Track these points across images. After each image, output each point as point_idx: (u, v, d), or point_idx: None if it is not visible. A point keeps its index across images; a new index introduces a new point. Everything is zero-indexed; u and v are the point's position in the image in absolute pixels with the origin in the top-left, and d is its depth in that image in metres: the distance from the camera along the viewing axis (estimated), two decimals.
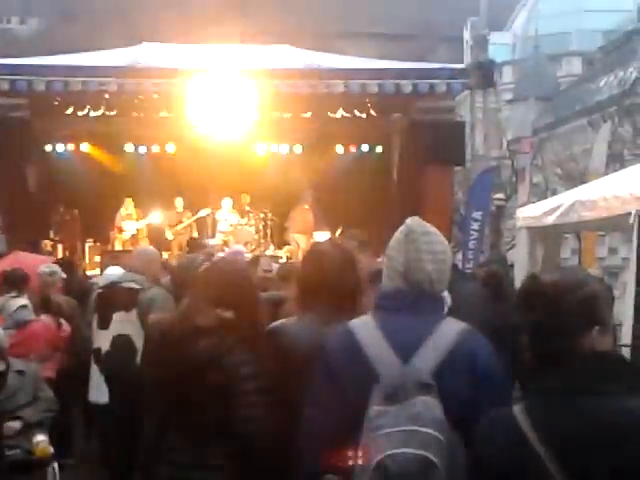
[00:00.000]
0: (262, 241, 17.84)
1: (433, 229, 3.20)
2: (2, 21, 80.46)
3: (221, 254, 8.83)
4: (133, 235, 17.83)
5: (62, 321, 7.82)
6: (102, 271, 13.25)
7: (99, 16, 65.67)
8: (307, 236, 17.62)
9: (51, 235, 17.30)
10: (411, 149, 16.84)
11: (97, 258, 17.16)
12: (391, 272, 3.14)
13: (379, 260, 8.08)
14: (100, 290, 7.60)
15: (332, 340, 3.15)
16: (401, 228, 3.19)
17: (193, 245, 14.43)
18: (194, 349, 3.70)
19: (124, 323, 6.80)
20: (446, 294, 3.42)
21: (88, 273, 15.92)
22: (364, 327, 3.09)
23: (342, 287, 3.67)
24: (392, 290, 3.12)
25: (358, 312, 3.40)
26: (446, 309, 3.44)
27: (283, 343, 3.62)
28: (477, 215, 15.62)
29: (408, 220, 3.19)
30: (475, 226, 15.55)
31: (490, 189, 17.13)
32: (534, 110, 33.14)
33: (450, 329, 3.04)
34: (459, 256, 15.32)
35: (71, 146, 18.03)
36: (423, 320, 3.03)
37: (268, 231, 18.00)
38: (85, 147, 18.15)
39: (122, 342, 6.66)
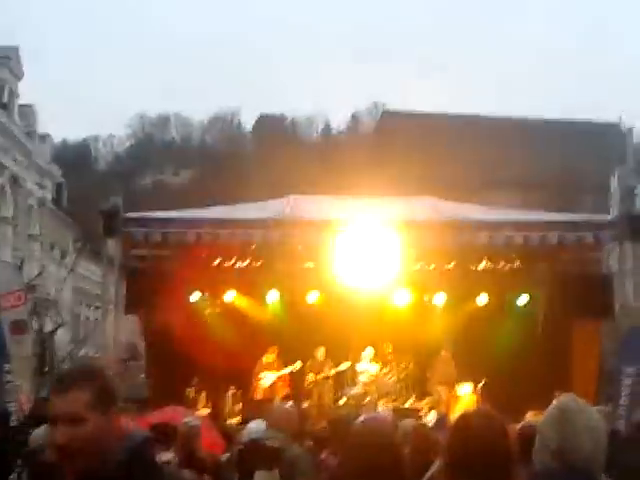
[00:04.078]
0: (403, 392, 17.58)
1: (588, 406, 3.07)
2: (157, 172, 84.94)
3: (362, 418, 8.60)
4: (273, 383, 17.88)
5: (205, 477, 7.78)
6: (243, 419, 13.36)
7: (247, 168, 68.36)
8: (449, 387, 17.31)
9: (194, 382, 17.51)
10: (557, 301, 16.49)
11: (238, 406, 17.26)
12: (544, 450, 3.00)
13: (520, 425, 7.80)
14: (242, 446, 7.54)
15: None
16: (555, 405, 3.06)
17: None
18: None
19: None
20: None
21: (229, 421, 16.02)
22: None
23: (492, 461, 3.50)
24: (546, 470, 2.97)
25: None
26: None
27: None
28: (630, 370, 14.94)
29: (562, 397, 3.08)
30: (628, 381, 14.85)
31: None
32: None
33: None
34: (608, 410, 14.63)
35: (216, 295, 18.39)
36: None
37: (409, 381, 17.77)
38: (230, 296, 18.48)
39: None
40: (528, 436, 3.57)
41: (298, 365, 17.95)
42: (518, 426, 8.25)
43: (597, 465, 3.01)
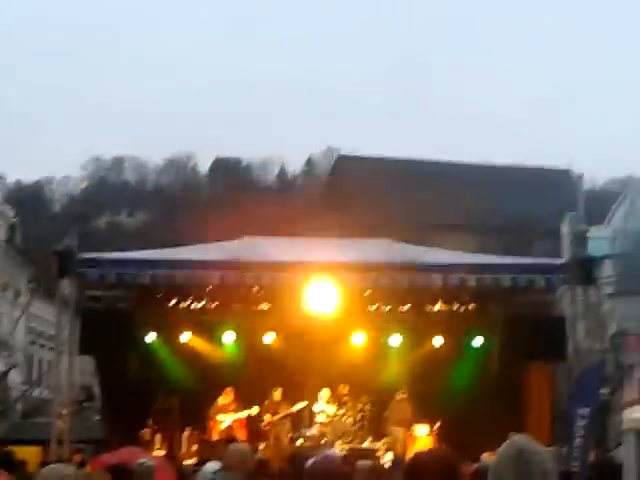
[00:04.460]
0: (360, 432, 17.61)
1: (542, 448, 3.12)
2: (112, 213, 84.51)
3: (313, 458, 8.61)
4: (229, 425, 17.81)
5: None
6: (199, 461, 13.30)
7: (202, 211, 68.29)
8: (405, 428, 17.39)
9: (149, 423, 17.39)
10: (511, 343, 16.69)
11: (194, 447, 17.16)
12: None
13: (476, 466, 7.87)
14: None
15: None
16: (509, 445, 3.11)
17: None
18: None
19: None
20: None
21: (185, 463, 15.91)
22: None
23: None
24: None
25: None
26: None
27: None
28: (584, 412, 15.10)
29: (516, 438, 3.12)
30: (582, 423, 15.00)
31: (597, 385, 16.68)
32: (638, 305, 32.54)
33: None
34: (563, 452, 14.77)
35: (171, 336, 18.30)
36: None
37: (366, 422, 17.81)
38: (185, 337, 18.41)
39: None
40: (483, 476, 3.64)
41: (255, 410, 17.91)
42: (473, 466, 8.36)
43: None
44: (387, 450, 16.58)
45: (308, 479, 4.19)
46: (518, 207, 62.85)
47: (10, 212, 43.51)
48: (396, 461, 14.43)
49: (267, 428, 17.80)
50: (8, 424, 27.08)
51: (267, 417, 17.87)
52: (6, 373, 35.13)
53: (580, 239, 19.72)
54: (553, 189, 65.69)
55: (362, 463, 8.43)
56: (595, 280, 17.36)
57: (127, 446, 12.91)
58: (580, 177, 49.38)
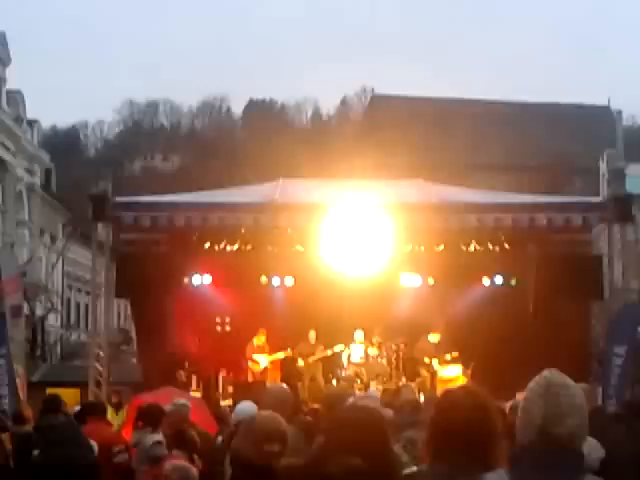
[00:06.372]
0: (394, 373, 17.66)
1: (572, 382, 3.07)
2: (146, 158, 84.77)
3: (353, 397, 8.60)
4: (264, 366, 17.94)
5: (195, 457, 7.80)
6: (234, 402, 13.39)
7: (236, 153, 68.25)
8: (438, 369, 17.43)
9: (186, 366, 17.54)
10: (547, 282, 16.55)
11: (230, 389, 17.32)
12: (528, 425, 3.01)
13: (509, 403, 7.83)
14: (234, 427, 7.56)
15: None
16: (538, 380, 3.07)
17: None
18: None
19: None
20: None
21: (222, 404, 16.07)
22: None
23: (474, 437, 3.53)
24: (530, 445, 2.98)
25: (491, 463, 3.27)
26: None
27: None
28: (620, 350, 15.00)
29: (546, 372, 3.08)
30: (618, 362, 14.91)
31: (634, 323, 16.54)
32: None
33: None
34: (599, 391, 14.72)
35: (208, 278, 18.35)
36: (563, 478, 2.88)
37: (400, 363, 17.85)
38: (221, 280, 18.46)
39: None
40: (517, 412, 3.59)
41: (289, 352, 18.00)
42: (508, 403, 8.32)
43: (581, 441, 3.03)
44: (420, 391, 16.63)
45: (344, 418, 4.13)
46: (555, 145, 62.17)
47: (46, 157, 43.75)
48: (427, 401, 14.46)
49: (302, 370, 17.91)
50: (46, 367, 27.51)
51: (302, 359, 17.98)
52: (44, 317, 35.63)
53: (618, 176, 19.42)
54: (592, 126, 64.85)
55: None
56: (633, 218, 17.12)
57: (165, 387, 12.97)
58: (619, 113, 48.60)
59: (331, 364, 18.14)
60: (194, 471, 6.71)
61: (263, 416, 5.30)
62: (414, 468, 3.85)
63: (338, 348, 17.92)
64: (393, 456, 3.86)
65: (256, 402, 8.07)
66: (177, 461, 6.94)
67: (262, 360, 17.99)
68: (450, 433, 3.55)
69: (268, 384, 15.77)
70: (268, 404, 7.12)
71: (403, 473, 3.80)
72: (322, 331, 18.15)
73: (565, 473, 2.91)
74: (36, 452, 6.60)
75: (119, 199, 16.34)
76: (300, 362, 18.00)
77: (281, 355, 18.09)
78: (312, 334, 18.09)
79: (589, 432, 3.12)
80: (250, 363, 18.03)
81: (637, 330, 17.25)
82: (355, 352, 17.98)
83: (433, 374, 17.60)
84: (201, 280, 18.29)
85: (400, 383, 17.12)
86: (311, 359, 18.00)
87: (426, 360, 17.69)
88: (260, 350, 18.12)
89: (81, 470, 6.24)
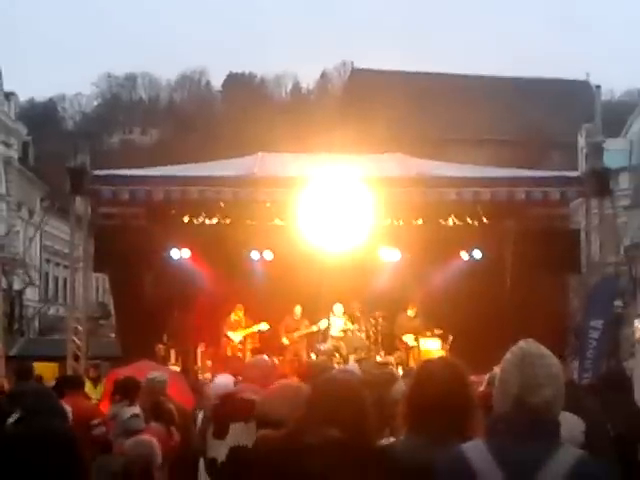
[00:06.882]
0: (372, 347, 17.73)
1: (548, 352, 3.10)
2: (125, 132, 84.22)
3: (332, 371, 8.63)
4: (243, 340, 17.96)
5: (172, 429, 7.82)
6: (213, 376, 13.40)
7: (216, 127, 67.95)
8: (416, 343, 17.51)
9: (164, 340, 17.54)
10: (525, 257, 16.60)
11: (209, 363, 17.34)
12: (504, 395, 3.03)
13: (487, 376, 7.87)
14: (217, 400, 7.56)
15: (443, 465, 3.05)
16: (514, 350, 3.10)
17: None
18: (301, 468, 3.61)
19: (243, 434, 6.69)
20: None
21: (201, 377, 16.09)
22: (477, 454, 2.97)
23: (452, 407, 3.56)
24: (506, 414, 3.01)
25: (468, 433, 3.31)
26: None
27: (393, 466, 3.51)
28: (597, 324, 15.14)
29: (522, 343, 3.11)
30: (594, 335, 15.06)
31: (611, 297, 16.67)
32: None
33: (567, 456, 2.91)
34: (575, 364, 14.87)
35: (186, 253, 18.30)
36: (539, 447, 2.91)
37: (379, 337, 17.91)
38: (200, 254, 18.43)
39: (240, 453, 6.56)
40: (494, 384, 3.61)
41: (264, 326, 18.00)
42: (484, 376, 8.37)
43: (557, 410, 3.05)
44: (398, 364, 16.70)
45: (323, 389, 4.14)
46: (534, 119, 62.24)
47: (23, 130, 43.36)
48: (405, 374, 14.55)
49: (286, 345, 17.94)
50: (24, 341, 27.42)
51: (286, 334, 17.99)
52: (22, 291, 35.48)
53: (596, 151, 19.43)
54: (570, 101, 64.94)
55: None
56: (610, 192, 17.24)
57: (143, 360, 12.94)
58: (598, 88, 48.67)
59: (311, 338, 18.19)
60: (156, 445, 6.72)
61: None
62: (391, 439, 3.86)
63: (323, 324, 17.95)
64: (370, 428, 3.88)
65: (235, 375, 8.09)
66: (142, 436, 6.95)
67: (236, 337, 18.01)
68: (428, 404, 3.58)
69: (251, 357, 15.77)
70: (253, 376, 7.13)
71: (380, 444, 3.82)
72: (302, 305, 18.17)
73: (541, 442, 2.94)
74: (11, 419, 6.58)
75: (97, 172, 16.22)
76: (284, 339, 18.02)
77: (256, 328, 18.06)
78: (298, 309, 18.08)
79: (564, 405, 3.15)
80: (224, 340, 18.06)
81: (614, 304, 17.46)
82: (334, 326, 18.03)
83: (412, 348, 17.70)
84: (180, 254, 18.22)
85: (378, 357, 17.23)
86: (296, 334, 18.03)
87: (405, 337, 17.79)
88: (236, 325, 18.12)
89: (59, 439, 6.22)
